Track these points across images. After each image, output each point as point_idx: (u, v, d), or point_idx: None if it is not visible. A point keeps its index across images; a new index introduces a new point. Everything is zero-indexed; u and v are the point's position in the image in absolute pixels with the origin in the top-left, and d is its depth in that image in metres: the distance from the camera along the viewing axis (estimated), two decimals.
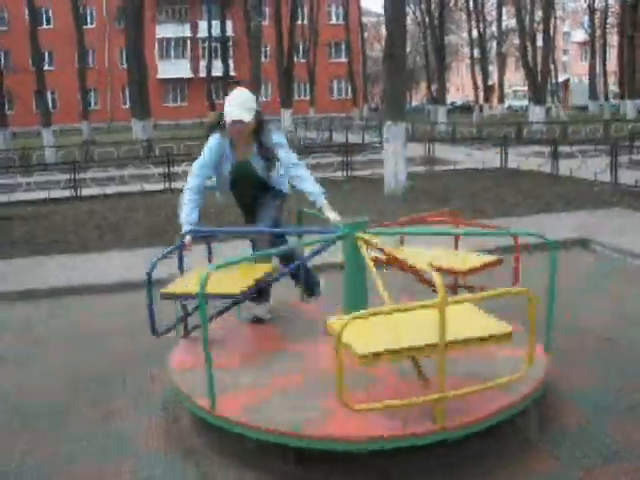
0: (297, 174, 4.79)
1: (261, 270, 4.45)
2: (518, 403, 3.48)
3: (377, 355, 3.08)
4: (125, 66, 31.86)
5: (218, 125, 4.84)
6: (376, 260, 4.69)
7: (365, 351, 3.07)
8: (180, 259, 4.69)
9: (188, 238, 4.56)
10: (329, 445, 3.23)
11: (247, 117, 4.67)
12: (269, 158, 4.84)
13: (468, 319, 3.48)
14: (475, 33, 50.87)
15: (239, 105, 4.67)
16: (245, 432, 3.37)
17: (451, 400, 3.22)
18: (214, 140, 4.83)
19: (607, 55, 50.07)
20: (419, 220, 5.09)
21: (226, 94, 4.90)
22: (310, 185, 4.75)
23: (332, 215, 4.56)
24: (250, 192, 5.02)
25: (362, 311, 3.28)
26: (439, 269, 4.06)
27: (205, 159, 4.81)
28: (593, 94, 48.85)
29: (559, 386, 4.18)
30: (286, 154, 4.83)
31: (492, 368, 3.73)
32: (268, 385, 3.73)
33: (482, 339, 3.28)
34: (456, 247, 5.19)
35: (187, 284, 4.23)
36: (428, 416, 3.25)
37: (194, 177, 4.77)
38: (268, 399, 3.57)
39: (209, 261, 4.91)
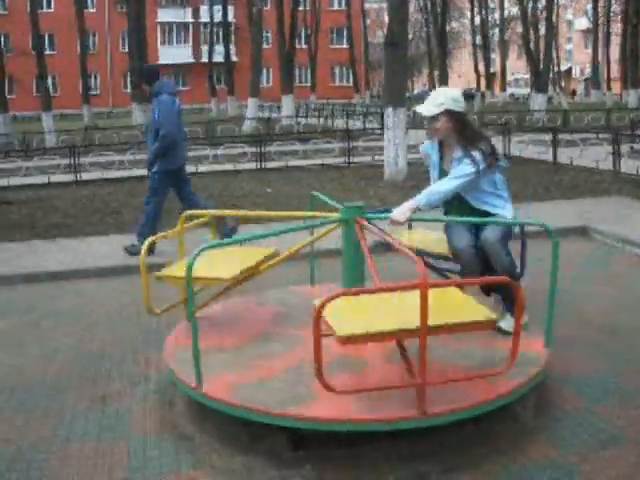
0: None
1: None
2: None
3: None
4: (126, 50, 31.77)
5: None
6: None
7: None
8: None
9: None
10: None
11: (428, 111, 4.15)
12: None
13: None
14: (477, 20, 50.73)
15: (429, 100, 4.20)
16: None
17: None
18: (423, 145, 4.49)
19: (610, 44, 49.80)
20: None
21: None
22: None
23: (393, 212, 4.13)
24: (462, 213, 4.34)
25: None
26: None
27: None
28: (595, 82, 48.70)
29: (557, 372, 4.18)
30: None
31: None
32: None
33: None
34: None
35: None
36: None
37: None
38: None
39: None
